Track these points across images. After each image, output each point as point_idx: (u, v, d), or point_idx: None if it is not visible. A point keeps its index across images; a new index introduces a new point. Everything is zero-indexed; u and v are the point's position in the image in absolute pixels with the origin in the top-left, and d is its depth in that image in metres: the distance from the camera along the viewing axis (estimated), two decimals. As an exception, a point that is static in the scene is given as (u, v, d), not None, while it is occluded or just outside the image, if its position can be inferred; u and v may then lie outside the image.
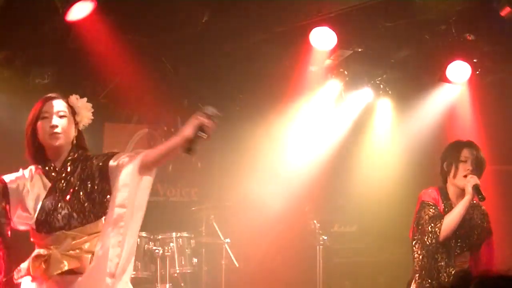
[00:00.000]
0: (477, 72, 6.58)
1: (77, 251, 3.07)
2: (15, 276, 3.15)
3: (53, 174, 3.17)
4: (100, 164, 3.15)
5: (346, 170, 7.68)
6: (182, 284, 6.69)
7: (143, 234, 6.33)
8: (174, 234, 6.62)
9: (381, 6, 5.54)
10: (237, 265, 6.66)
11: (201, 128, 3.09)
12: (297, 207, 7.30)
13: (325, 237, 6.95)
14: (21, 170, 3.23)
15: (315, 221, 6.97)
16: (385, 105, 7.54)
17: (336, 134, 7.64)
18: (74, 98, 3.28)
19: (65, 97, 3.29)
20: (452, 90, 6.96)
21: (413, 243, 3.96)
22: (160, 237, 6.52)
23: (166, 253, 6.43)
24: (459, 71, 6.51)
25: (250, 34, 6.17)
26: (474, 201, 4.00)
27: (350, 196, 7.53)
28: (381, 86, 7.31)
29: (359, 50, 6.49)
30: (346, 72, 7.12)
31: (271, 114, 7.30)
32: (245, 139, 7.30)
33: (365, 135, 7.74)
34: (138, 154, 3.17)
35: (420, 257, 3.90)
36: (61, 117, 3.18)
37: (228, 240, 6.71)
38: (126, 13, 5.52)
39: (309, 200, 7.37)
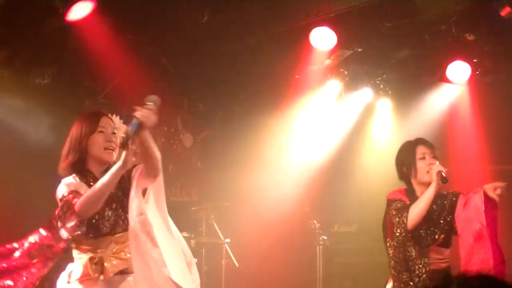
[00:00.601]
0: (477, 72, 6.58)
1: (122, 254, 3.35)
2: (67, 279, 3.34)
3: (94, 183, 3.31)
4: (128, 175, 3.37)
5: (346, 170, 7.68)
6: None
7: None
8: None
9: (381, 6, 5.55)
10: (237, 265, 6.67)
11: (137, 121, 3.20)
12: (297, 207, 7.31)
13: (325, 237, 6.96)
14: (68, 179, 3.37)
15: (315, 221, 6.98)
16: (385, 105, 7.54)
17: (336, 134, 7.65)
18: (116, 119, 3.53)
19: (108, 114, 3.51)
20: (452, 90, 6.97)
21: (385, 240, 3.94)
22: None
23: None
24: (459, 71, 6.51)
25: (250, 34, 6.17)
26: (445, 192, 3.99)
27: (350, 196, 7.53)
28: (381, 86, 7.31)
29: (359, 50, 6.50)
30: (346, 72, 7.12)
31: (271, 114, 7.30)
32: (245, 139, 7.30)
33: (365, 135, 7.74)
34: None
35: (392, 251, 3.86)
36: (114, 134, 3.44)
37: (228, 240, 6.71)
38: (126, 13, 5.52)
39: (309, 200, 7.37)
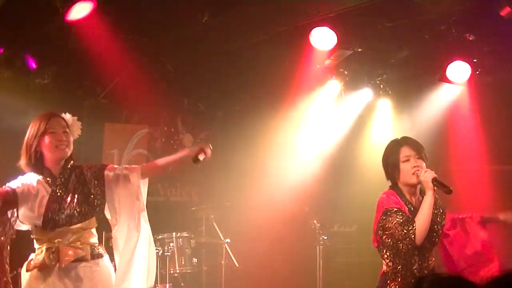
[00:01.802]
0: (477, 72, 6.58)
1: (78, 243, 3.64)
2: (26, 268, 3.67)
3: (52, 180, 3.70)
4: (96, 173, 3.75)
5: (346, 170, 7.67)
6: (182, 284, 6.69)
7: None
8: (174, 234, 6.62)
9: (381, 6, 5.54)
10: (237, 265, 6.66)
11: (202, 152, 3.79)
12: (297, 207, 7.30)
13: (325, 237, 6.95)
14: (22, 177, 3.73)
15: (315, 221, 6.97)
16: (385, 105, 7.54)
17: (336, 134, 7.64)
18: (67, 116, 3.83)
19: (59, 114, 3.83)
20: (452, 90, 6.96)
21: (383, 251, 3.82)
22: (160, 237, 6.51)
23: (166, 253, 6.43)
24: (459, 71, 6.51)
25: (250, 34, 6.17)
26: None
27: (350, 196, 7.52)
28: (381, 86, 7.31)
29: (359, 50, 6.49)
30: (346, 72, 7.12)
31: (271, 114, 7.30)
32: (245, 139, 7.30)
33: (365, 135, 7.74)
34: (134, 168, 3.78)
35: (396, 266, 3.75)
36: (65, 132, 3.73)
37: (228, 240, 6.71)
38: (126, 13, 5.51)
39: (309, 200, 7.36)
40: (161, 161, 3.93)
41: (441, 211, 3.92)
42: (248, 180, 7.33)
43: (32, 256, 3.70)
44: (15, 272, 5.38)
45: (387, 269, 3.82)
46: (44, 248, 3.62)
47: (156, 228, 6.47)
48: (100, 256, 3.74)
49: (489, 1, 5.44)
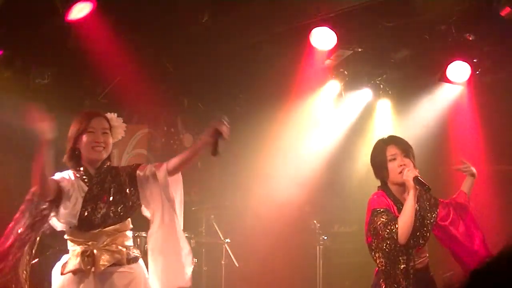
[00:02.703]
0: (477, 72, 6.58)
1: (113, 246, 3.56)
2: (60, 270, 3.55)
3: (88, 179, 3.64)
4: (130, 174, 3.68)
5: (346, 170, 7.68)
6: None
7: (143, 234, 6.31)
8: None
9: (381, 6, 5.54)
10: (237, 265, 6.66)
11: (218, 133, 3.55)
12: (297, 207, 7.30)
13: (325, 237, 6.96)
14: (60, 173, 3.65)
15: (315, 221, 6.97)
16: (385, 105, 7.54)
17: (336, 134, 7.65)
18: (112, 117, 3.78)
19: (103, 114, 3.77)
20: (452, 90, 6.96)
21: (372, 252, 3.82)
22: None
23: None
24: (459, 71, 6.51)
25: (250, 34, 6.17)
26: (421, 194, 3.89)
27: (350, 196, 7.52)
28: (381, 86, 7.31)
29: (359, 50, 6.50)
30: (346, 72, 7.12)
31: (271, 114, 7.30)
32: (245, 139, 7.30)
33: (365, 135, 7.74)
34: (161, 165, 3.67)
35: (384, 264, 3.75)
36: (104, 134, 3.68)
37: (228, 240, 6.71)
38: (126, 13, 5.52)
39: (309, 200, 7.37)
40: (183, 154, 3.76)
41: (432, 206, 3.92)
42: (248, 180, 7.33)
43: (65, 258, 3.62)
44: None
45: (379, 268, 3.83)
46: (78, 251, 3.54)
47: None
48: (135, 260, 3.66)
49: (489, 1, 5.44)
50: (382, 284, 3.80)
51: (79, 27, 5.40)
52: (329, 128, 7.65)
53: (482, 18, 5.70)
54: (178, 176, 3.74)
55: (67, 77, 6.32)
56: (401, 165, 3.79)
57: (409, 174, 3.71)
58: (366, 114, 7.60)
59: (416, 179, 3.69)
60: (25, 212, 3.58)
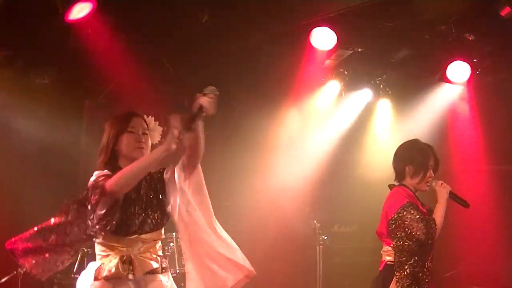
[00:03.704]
0: (477, 72, 6.58)
1: (149, 253, 3.40)
2: (93, 276, 3.34)
3: None
4: (159, 179, 3.52)
5: (346, 170, 7.68)
6: (182, 284, 6.64)
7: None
8: (174, 234, 6.59)
9: (381, 6, 5.54)
10: (237, 265, 6.65)
11: (200, 107, 3.46)
12: (297, 207, 7.30)
13: (325, 237, 6.95)
14: (101, 172, 3.39)
15: (315, 221, 6.97)
16: (385, 105, 7.54)
17: (336, 134, 7.64)
18: (150, 120, 3.67)
19: (142, 114, 3.64)
20: (452, 90, 6.97)
21: (398, 244, 3.94)
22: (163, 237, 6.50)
23: (166, 253, 6.41)
24: (459, 71, 6.51)
25: (250, 34, 6.17)
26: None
27: (350, 196, 7.53)
28: (381, 86, 7.31)
29: (359, 50, 6.50)
30: (346, 72, 7.12)
31: (271, 114, 7.30)
32: (245, 139, 7.30)
33: (365, 135, 7.74)
34: (172, 167, 3.52)
35: (401, 258, 3.92)
36: (144, 134, 3.54)
37: (228, 240, 6.69)
38: (126, 13, 5.52)
39: (309, 200, 7.36)
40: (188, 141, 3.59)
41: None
42: (248, 180, 7.33)
43: (95, 264, 3.40)
44: (14, 272, 5.40)
45: (395, 260, 3.94)
46: (114, 255, 3.34)
47: None
48: (167, 270, 3.52)
49: (489, 1, 5.45)
50: (397, 275, 3.90)
51: (79, 27, 5.40)
52: (329, 128, 7.65)
53: (482, 18, 5.71)
54: (197, 171, 3.62)
55: (67, 77, 6.33)
56: (431, 176, 4.07)
57: (446, 186, 4.04)
58: (366, 114, 7.60)
59: (452, 194, 4.04)
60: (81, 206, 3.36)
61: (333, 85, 7.28)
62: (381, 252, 4.12)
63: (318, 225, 6.95)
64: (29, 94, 6.10)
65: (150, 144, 3.56)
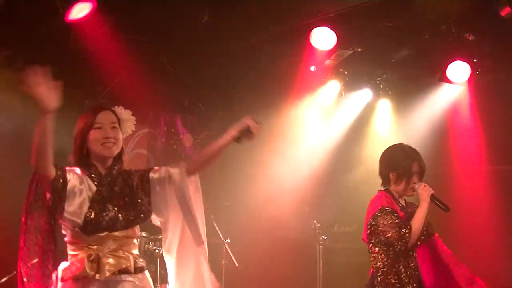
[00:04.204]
0: (477, 72, 6.58)
1: (120, 252, 3.25)
2: (63, 275, 3.21)
3: (98, 179, 3.32)
4: (142, 177, 3.40)
5: (346, 170, 7.68)
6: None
7: (143, 234, 6.32)
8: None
9: (381, 6, 5.54)
10: (237, 265, 6.66)
11: (247, 130, 3.44)
12: (297, 207, 7.30)
13: (325, 237, 6.96)
14: (71, 168, 3.32)
15: (315, 221, 6.97)
16: (385, 105, 7.54)
17: (336, 134, 7.64)
18: (121, 111, 3.51)
19: (111, 108, 3.48)
20: (452, 90, 6.97)
21: (374, 250, 4.00)
22: (160, 237, 6.47)
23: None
24: (459, 71, 6.51)
25: (250, 34, 6.17)
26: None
27: (350, 196, 7.52)
28: (381, 86, 7.31)
29: (359, 50, 6.50)
30: (346, 72, 7.12)
31: (271, 114, 7.30)
32: (245, 139, 7.29)
33: (365, 135, 7.74)
34: (179, 164, 3.45)
35: (385, 264, 3.94)
36: (113, 128, 3.39)
37: (228, 240, 6.70)
38: (126, 13, 5.52)
39: (309, 200, 7.36)
40: (206, 151, 3.53)
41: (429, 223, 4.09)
42: (248, 180, 7.33)
43: (64, 264, 3.26)
44: (14, 272, 5.39)
45: (374, 266, 3.99)
46: (82, 255, 3.19)
47: (156, 228, 6.48)
48: (142, 269, 3.33)
49: (489, 1, 5.45)
50: (378, 285, 3.94)
51: (79, 27, 5.40)
52: (329, 128, 7.65)
53: (482, 18, 5.71)
54: (196, 181, 3.55)
55: (67, 77, 6.30)
56: (415, 182, 4.05)
57: (427, 189, 4.00)
58: (366, 114, 7.60)
59: (433, 197, 3.99)
60: (29, 196, 3.25)
61: (333, 85, 7.28)
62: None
63: (318, 225, 6.96)
64: (29, 94, 6.09)
65: (121, 137, 3.41)
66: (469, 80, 6.61)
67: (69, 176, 3.25)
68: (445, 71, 6.53)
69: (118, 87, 6.64)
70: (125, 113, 3.53)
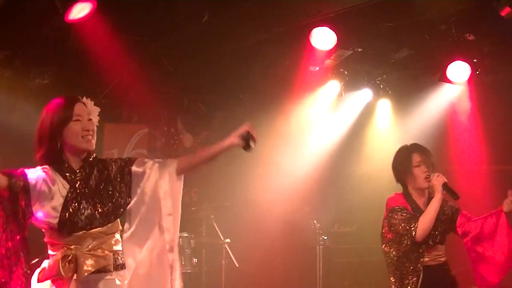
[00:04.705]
0: (477, 72, 6.58)
1: (99, 251, 3.13)
2: (39, 277, 3.12)
3: (70, 175, 3.18)
4: (122, 168, 3.25)
5: (346, 170, 7.68)
6: (182, 284, 6.68)
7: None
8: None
9: (381, 6, 5.54)
10: (237, 265, 6.66)
11: (248, 135, 3.40)
12: (297, 207, 7.30)
13: (325, 237, 6.96)
14: (38, 167, 3.18)
15: (315, 221, 6.98)
16: (385, 105, 7.54)
17: (336, 134, 7.65)
18: (87, 101, 3.29)
19: (81, 99, 3.29)
20: (452, 90, 6.97)
21: (387, 249, 4.06)
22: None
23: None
24: (459, 71, 6.51)
25: (250, 34, 6.17)
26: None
27: (350, 196, 7.53)
28: (381, 86, 7.31)
29: (359, 50, 6.49)
30: (346, 72, 7.12)
31: (271, 114, 7.30)
32: (245, 139, 7.29)
33: (365, 135, 7.74)
34: (168, 161, 3.31)
35: (395, 258, 4.00)
36: (90, 120, 3.23)
37: (228, 240, 6.70)
38: (126, 13, 5.51)
39: (309, 200, 7.37)
40: (202, 152, 3.46)
41: (450, 213, 4.13)
42: (248, 180, 7.33)
43: (45, 264, 3.16)
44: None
45: (389, 261, 4.04)
46: (58, 255, 3.09)
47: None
48: (123, 266, 3.20)
49: (489, 1, 5.44)
50: (392, 280, 4.02)
51: (79, 27, 5.40)
52: (329, 128, 7.65)
53: (482, 18, 5.71)
54: (180, 178, 3.34)
55: (67, 77, 6.33)
56: (425, 171, 4.07)
57: (439, 179, 4.01)
58: (366, 114, 7.60)
59: (445, 186, 4.00)
60: None
61: (333, 85, 7.28)
62: None
63: (318, 225, 6.96)
64: (29, 94, 6.10)
65: (95, 129, 3.24)
66: (469, 80, 6.61)
67: (32, 179, 3.09)
68: (445, 71, 6.53)
69: (118, 87, 6.64)
70: (90, 104, 3.29)
